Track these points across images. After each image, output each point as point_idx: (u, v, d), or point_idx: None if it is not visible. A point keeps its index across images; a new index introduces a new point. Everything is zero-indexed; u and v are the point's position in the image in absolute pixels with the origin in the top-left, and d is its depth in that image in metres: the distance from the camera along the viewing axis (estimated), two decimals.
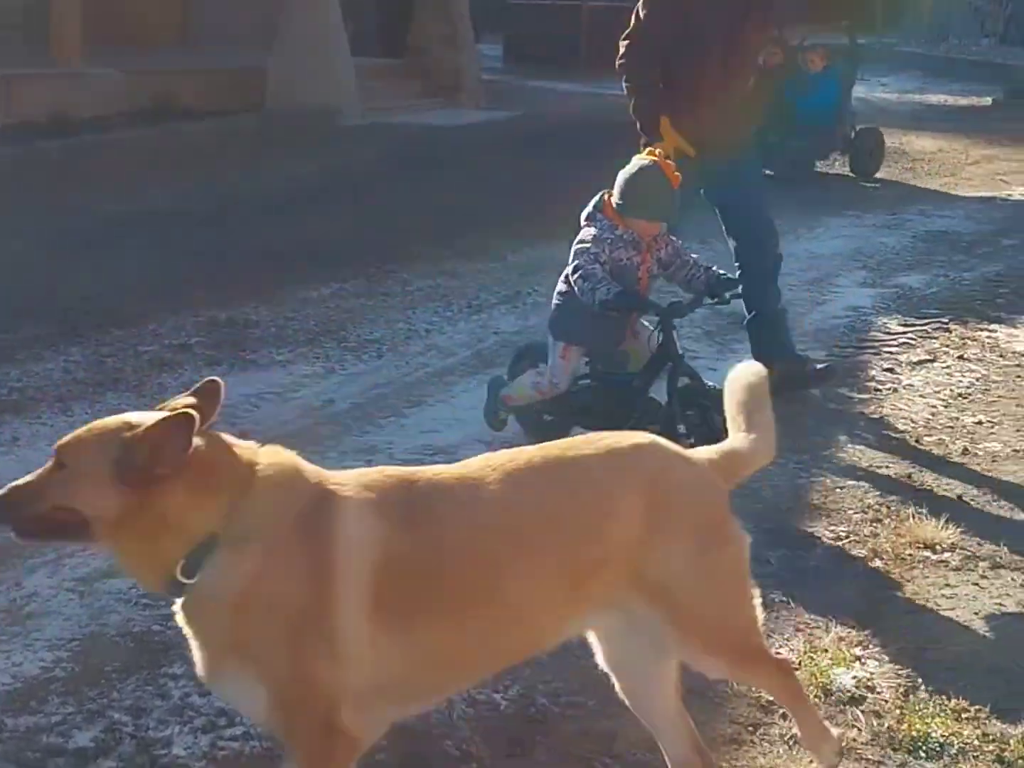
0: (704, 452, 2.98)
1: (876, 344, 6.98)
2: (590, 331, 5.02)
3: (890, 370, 6.52)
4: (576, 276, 4.85)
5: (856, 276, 8.51)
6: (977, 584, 4.19)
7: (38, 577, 4.16)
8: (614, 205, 4.92)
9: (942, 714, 3.41)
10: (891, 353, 6.83)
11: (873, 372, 6.52)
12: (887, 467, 5.23)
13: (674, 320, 4.96)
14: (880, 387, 6.29)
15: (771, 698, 3.48)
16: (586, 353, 5.17)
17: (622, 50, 5.82)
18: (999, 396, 6.14)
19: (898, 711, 3.43)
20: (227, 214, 9.92)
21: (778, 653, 3.64)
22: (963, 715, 3.41)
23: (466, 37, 17.26)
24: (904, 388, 6.27)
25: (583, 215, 5.01)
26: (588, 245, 4.87)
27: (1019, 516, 4.73)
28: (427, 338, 7.07)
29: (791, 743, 3.30)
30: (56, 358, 6.32)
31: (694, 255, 5.09)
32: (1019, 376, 6.47)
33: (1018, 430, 5.66)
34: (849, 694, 3.52)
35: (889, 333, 7.19)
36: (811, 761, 3.21)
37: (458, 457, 5.19)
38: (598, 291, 4.75)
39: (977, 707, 3.45)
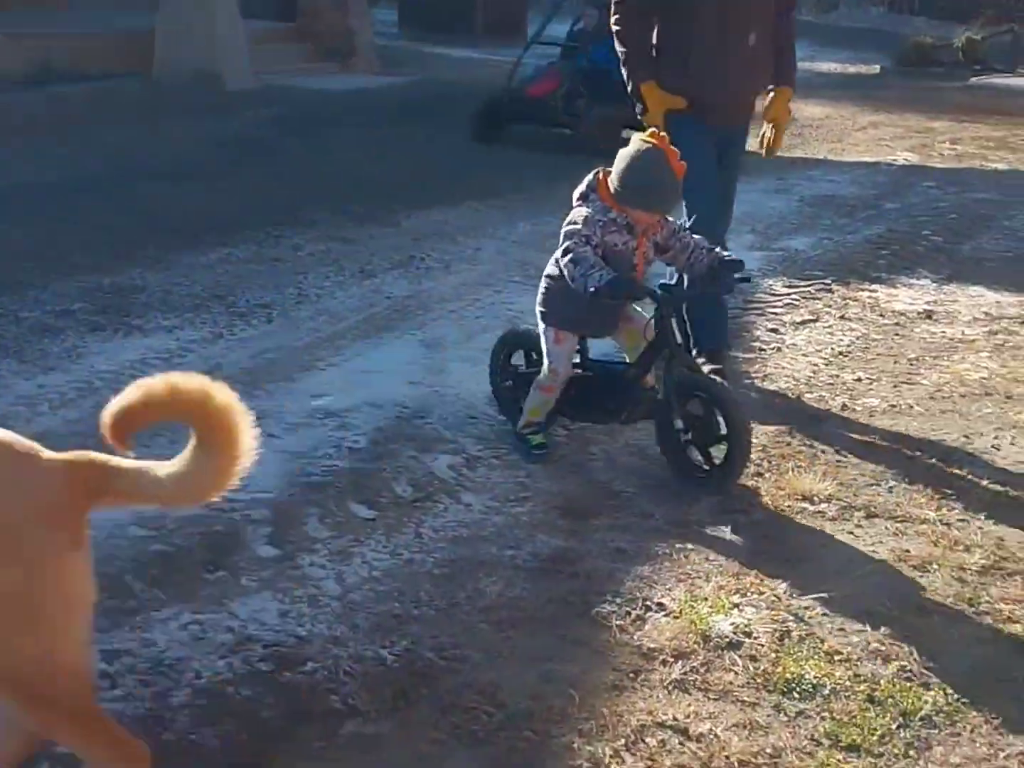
0: (64, 455, 2.51)
1: (761, 305, 7.11)
2: (583, 317, 4.69)
3: (774, 330, 6.65)
4: (566, 260, 4.49)
5: (744, 239, 8.62)
6: (852, 533, 4.31)
7: None
8: (611, 190, 4.54)
9: (816, 657, 3.52)
10: (776, 314, 6.96)
11: (758, 332, 6.64)
12: (769, 423, 5.33)
13: (672, 307, 4.67)
14: (764, 347, 6.41)
15: (653, 645, 3.57)
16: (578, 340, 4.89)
17: (612, 11, 5.56)
18: (878, 354, 6.30)
19: (774, 655, 3.53)
20: (112, 180, 9.75)
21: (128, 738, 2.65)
22: (836, 657, 3.52)
23: (359, 1, 17.12)
24: (787, 347, 6.40)
25: (575, 194, 4.64)
26: (579, 227, 4.50)
27: (894, 468, 4.86)
28: (318, 303, 7.03)
29: (670, 688, 3.38)
30: None
31: (695, 236, 4.70)
32: (897, 334, 6.64)
33: (895, 386, 5.81)
34: (727, 640, 3.60)
35: (774, 294, 7.33)
36: (689, 704, 3.30)
37: (349, 421, 5.26)
38: (590, 277, 4.37)
39: (850, 649, 3.56)
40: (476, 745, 3.13)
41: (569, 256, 4.48)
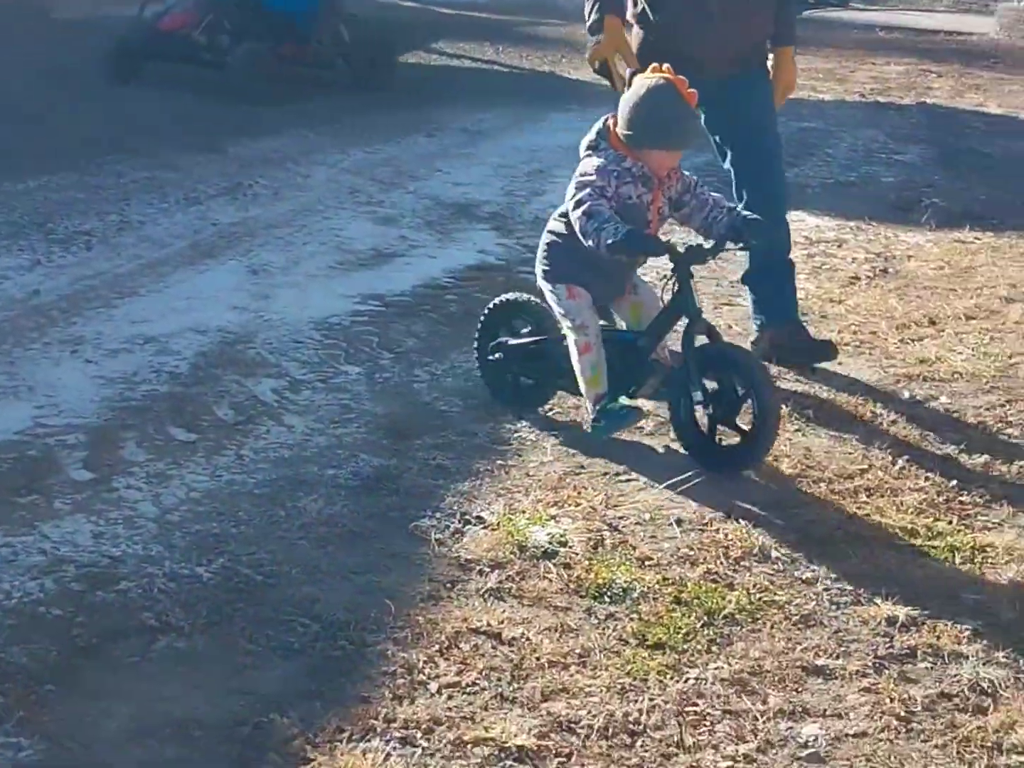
0: None
1: None
2: (588, 277, 4.28)
3: None
4: (579, 213, 4.08)
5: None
6: (669, 446, 4.42)
7: None
8: (621, 136, 4.16)
9: (627, 563, 3.61)
10: None
11: None
12: None
13: (692, 268, 4.22)
14: None
15: (470, 556, 3.63)
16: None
17: None
18: (701, 277, 6.39)
19: (587, 562, 3.61)
20: None
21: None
22: (647, 563, 3.62)
23: None
24: None
25: (583, 144, 4.29)
26: (593, 178, 4.11)
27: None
28: (141, 230, 6.89)
29: (486, 596, 3.44)
30: None
31: (714, 194, 4.31)
32: (720, 257, 6.77)
33: (715, 308, 5.94)
34: (542, 549, 3.67)
35: None
36: (503, 611, 3.37)
37: (170, 347, 5.19)
38: (604, 231, 3.99)
39: (660, 555, 3.67)
40: (292, 656, 3.15)
41: (582, 208, 4.08)
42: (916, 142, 9.83)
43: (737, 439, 4.19)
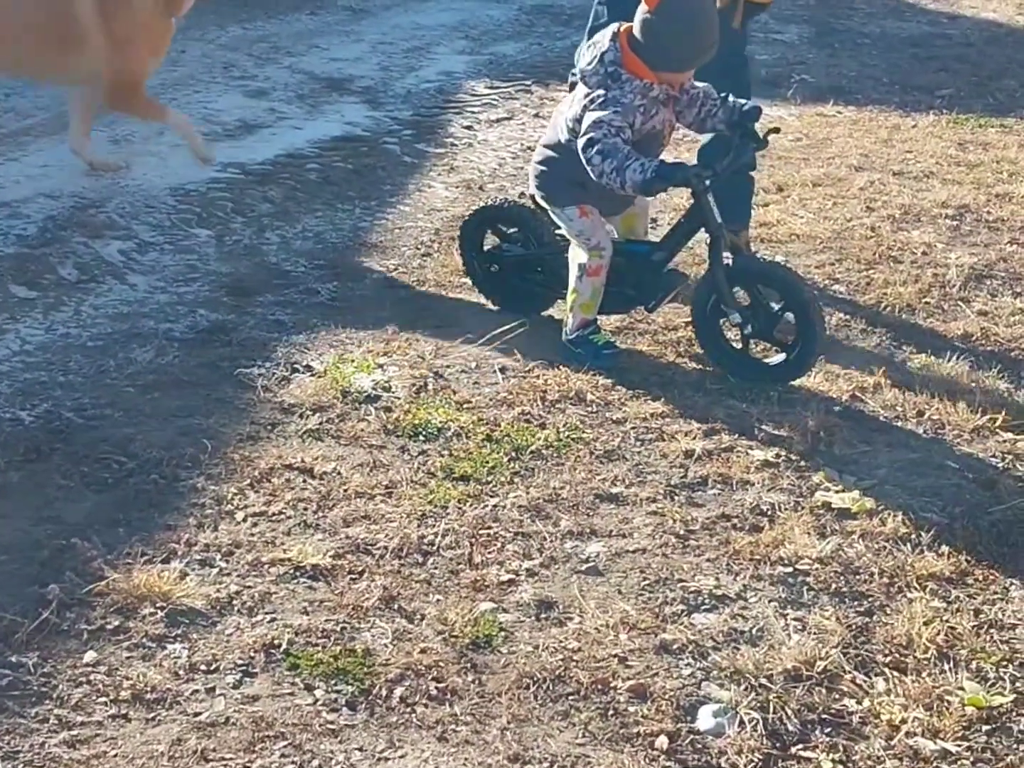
0: None
1: (460, 105, 7.19)
2: (596, 192, 3.95)
3: (469, 127, 6.77)
4: (593, 153, 3.79)
5: (456, 45, 8.66)
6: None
7: None
8: (646, 60, 3.81)
9: (446, 406, 3.72)
10: (473, 112, 7.06)
11: (452, 129, 6.74)
12: (447, 209, 5.49)
13: (710, 180, 3.87)
14: (457, 142, 6.53)
15: (293, 401, 3.72)
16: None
17: None
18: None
19: (408, 406, 3.72)
20: None
21: None
22: (464, 406, 3.74)
23: None
24: (479, 143, 6.53)
25: (583, 65, 3.89)
26: (612, 117, 3.79)
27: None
28: (5, 102, 6.78)
29: (304, 436, 3.54)
30: None
31: (699, 84, 3.97)
32: None
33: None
34: (365, 394, 3.77)
35: (475, 95, 7.41)
36: (319, 450, 3.47)
37: (21, 212, 5.17)
38: (629, 171, 3.73)
39: (479, 399, 3.79)
40: (104, 490, 3.23)
41: (596, 148, 3.78)
42: (798, 23, 9.87)
43: (777, 353, 3.97)
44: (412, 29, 9.09)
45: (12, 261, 4.67)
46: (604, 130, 3.79)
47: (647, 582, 2.93)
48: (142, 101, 5.51)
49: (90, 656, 2.57)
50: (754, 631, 2.76)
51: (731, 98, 3.95)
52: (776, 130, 4.17)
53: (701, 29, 3.79)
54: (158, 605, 2.74)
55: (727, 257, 3.93)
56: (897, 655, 2.69)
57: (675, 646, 2.70)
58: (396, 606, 2.81)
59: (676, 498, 3.28)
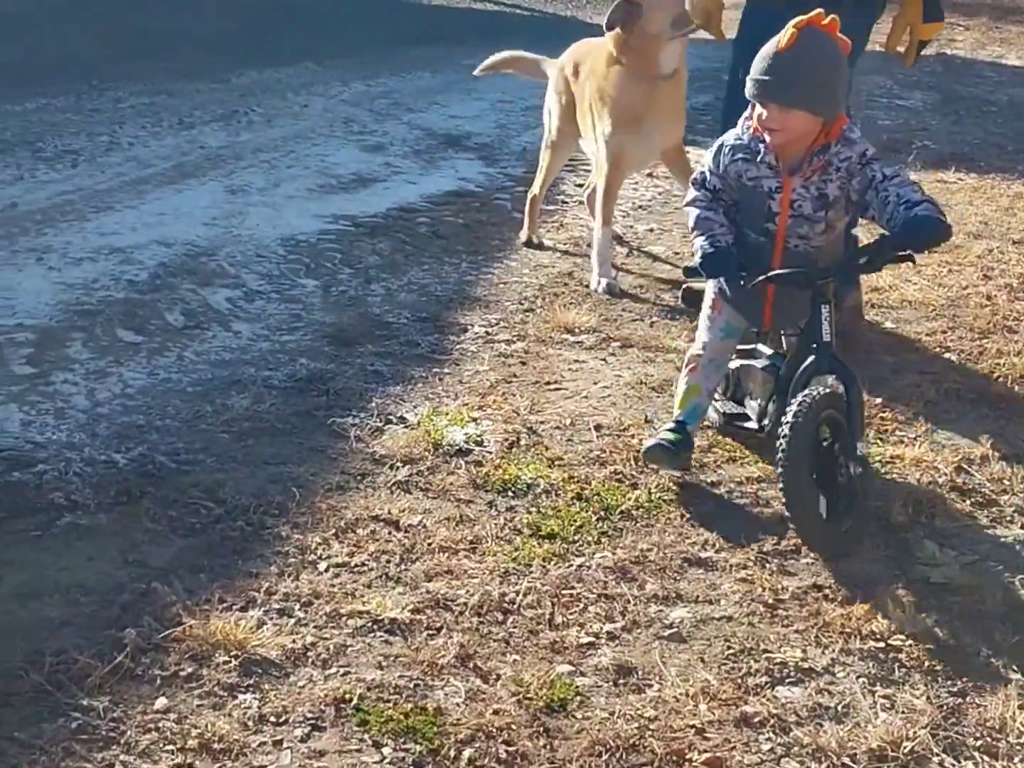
0: None
1: (573, 163, 7.17)
2: (735, 292, 3.49)
3: (580, 185, 6.75)
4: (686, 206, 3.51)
5: None
6: (604, 360, 4.47)
7: None
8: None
9: (537, 462, 3.67)
10: (586, 170, 7.04)
11: (564, 187, 6.76)
12: (552, 266, 5.47)
13: (833, 289, 3.32)
14: (568, 200, 6.55)
15: (384, 452, 3.70)
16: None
17: None
18: (675, 208, 6.44)
19: (498, 461, 3.68)
20: None
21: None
22: (556, 463, 3.68)
23: None
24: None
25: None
26: (705, 157, 3.51)
27: (662, 307, 5.02)
28: (129, 151, 6.98)
29: (392, 488, 3.52)
30: None
31: (895, 184, 3.21)
32: None
33: (683, 236, 5.96)
34: (457, 448, 3.74)
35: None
36: (406, 502, 3.44)
37: (135, 258, 5.28)
38: (695, 243, 3.40)
39: (571, 456, 3.73)
40: (190, 535, 3.24)
41: (686, 201, 3.55)
42: (923, 89, 9.74)
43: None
44: (532, 88, 9.08)
45: (121, 306, 4.75)
46: (695, 176, 3.54)
47: (731, 651, 2.83)
48: None
49: (161, 703, 2.56)
50: (840, 707, 2.65)
51: (916, 203, 3.14)
52: (911, 259, 3.35)
53: (763, 54, 3.27)
54: (232, 653, 2.71)
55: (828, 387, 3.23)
56: (989, 739, 2.56)
57: (756, 719, 2.60)
58: (472, 664, 2.75)
59: (767, 565, 3.18)
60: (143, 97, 8.14)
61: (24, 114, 7.47)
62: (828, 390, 3.20)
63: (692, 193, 3.51)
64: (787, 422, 3.11)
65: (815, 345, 3.29)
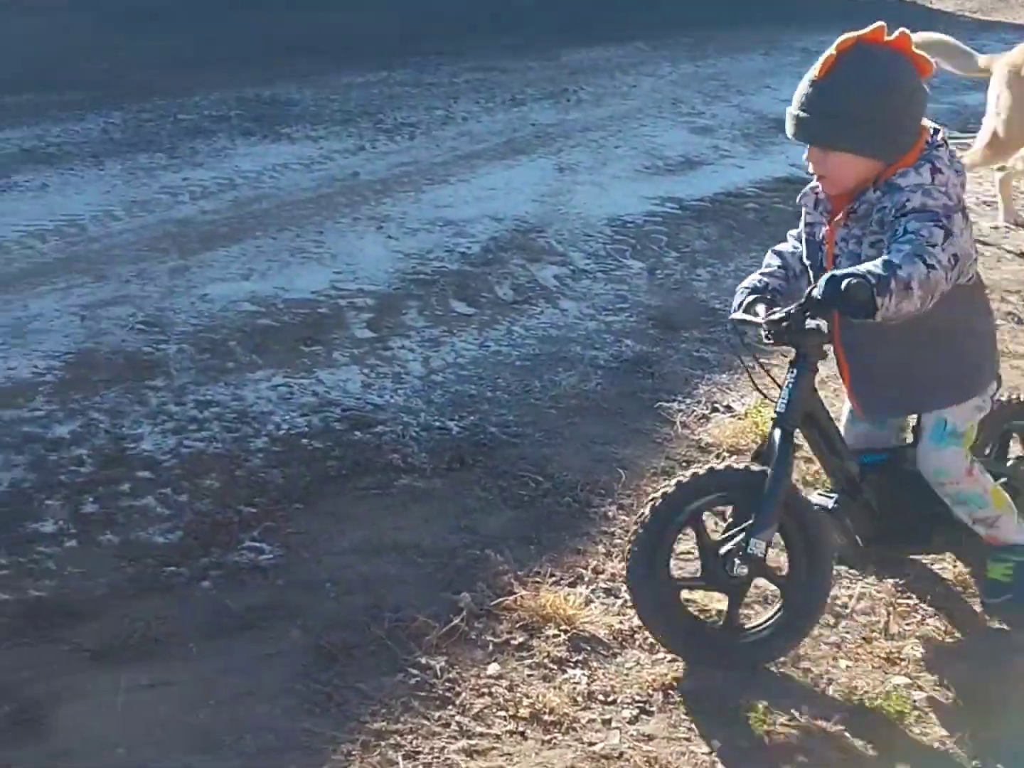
0: None
1: None
2: None
3: None
4: None
5: None
6: None
7: (46, 301, 4.43)
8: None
9: None
10: None
11: None
12: None
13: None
14: None
15: (711, 440, 3.67)
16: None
17: None
18: None
19: None
20: None
21: None
22: None
23: None
24: None
25: None
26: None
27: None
28: (463, 125, 7.17)
29: None
30: (96, 120, 6.55)
31: (912, 226, 2.46)
32: None
33: None
34: None
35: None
36: None
37: (466, 231, 5.42)
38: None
39: None
40: (519, 507, 3.29)
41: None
42: None
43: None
44: None
45: (455, 277, 4.88)
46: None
47: None
48: None
49: (493, 668, 2.61)
50: None
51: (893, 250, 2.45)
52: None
53: (802, 81, 2.62)
54: (562, 628, 2.74)
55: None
56: None
57: None
58: (801, 666, 2.69)
59: None
60: (477, 73, 8.33)
61: (366, 86, 7.78)
62: (721, 468, 2.71)
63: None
64: (647, 502, 2.69)
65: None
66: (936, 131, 2.61)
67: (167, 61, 7.86)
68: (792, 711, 2.53)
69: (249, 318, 4.40)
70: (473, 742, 2.39)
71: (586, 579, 2.97)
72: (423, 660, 2.60)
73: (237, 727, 2.37)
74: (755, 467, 2.66)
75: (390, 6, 10.22)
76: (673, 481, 2.70)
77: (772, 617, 2.68)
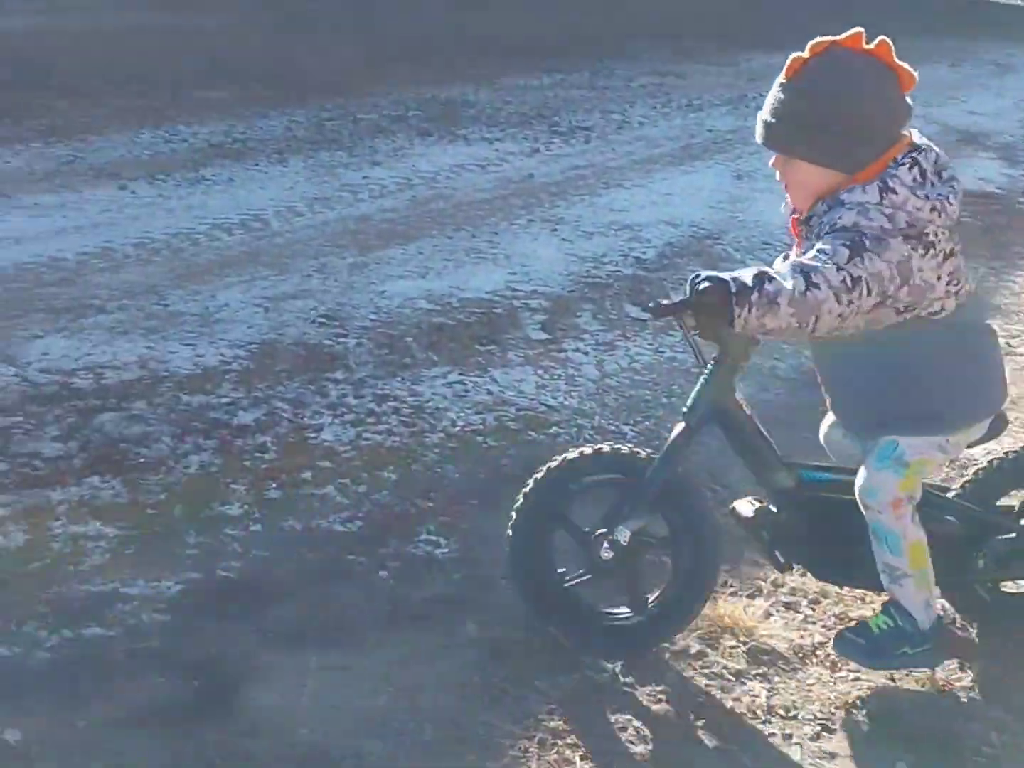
0: None
1: None
2: None
3: None
4: None
5: None
6: None
7: (232, 292, 4.54)
8: None
9: None
10: None
11: None
12: None
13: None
14: None
15: None
16: None
17: None
18: None
19: None
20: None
21: None
22: None
23: None
24: None
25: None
26: None
27: None
28: (639, 130, 7.15)
29: None
30: (280, 118, 6.71)
31: (821, 245, 2.32)
32: None
33: None
34: None
35: None
36: None
37: (642, 235, 5.39)
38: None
39: None
40: None
41: None
42: None
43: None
44: None
45: (629, 282, 4.86)
46: None
47: None
48: None
49: (671, 676, 2.57)
50: None
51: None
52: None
53: (770, 91, 2.48)
54: (740, 639, 2.70)
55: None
56: None
57: None
58: (997, 693, 2.59)
59: None
60: (652, 77, 8.31)
61: (541, 88, 7.81)
62: (591, 451, 2.62)
63: None
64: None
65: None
66: (918, 148, 2.40)
67: (347, 60, 8.02)
68: (986, 747, 2.44)
69: (425, 315, 4.44)
70: (650, 747, 2.37)
71: (765, 592, 2.92)
72: (600, 663, 2.58)
73: (416, 716, 2.38)
74: (642, 453, 2.63)
75: (564, 9, 10.25)
76: (559, 457, 2.62)
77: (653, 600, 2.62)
